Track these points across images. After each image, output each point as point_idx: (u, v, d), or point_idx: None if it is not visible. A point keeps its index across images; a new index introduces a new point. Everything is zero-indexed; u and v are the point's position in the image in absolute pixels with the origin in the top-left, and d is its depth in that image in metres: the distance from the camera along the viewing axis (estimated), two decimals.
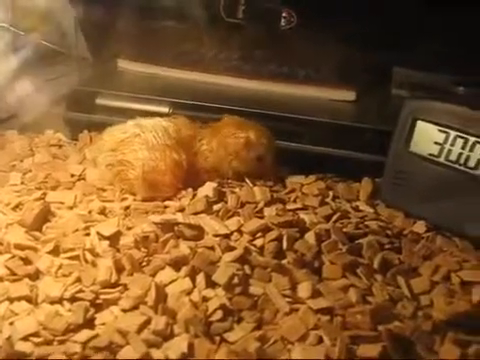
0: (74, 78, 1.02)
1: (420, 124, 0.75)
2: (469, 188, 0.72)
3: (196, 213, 0.73)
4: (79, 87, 0.96)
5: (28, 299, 0.60)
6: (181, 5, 0.97)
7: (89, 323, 0.58)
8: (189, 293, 0.61)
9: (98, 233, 0.68)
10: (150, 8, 0.99)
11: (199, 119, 0.84)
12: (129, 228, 0.71)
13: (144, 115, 0.83)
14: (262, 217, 0.74)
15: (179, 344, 0.55)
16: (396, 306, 0.62)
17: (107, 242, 0.67)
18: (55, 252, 0.66)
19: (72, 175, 0.82)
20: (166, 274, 0.63)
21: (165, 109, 0.91)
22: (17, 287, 0.61)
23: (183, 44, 1.01)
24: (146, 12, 0.99)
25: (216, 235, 0.70)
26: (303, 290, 0.62)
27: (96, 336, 0.56)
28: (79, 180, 0.81)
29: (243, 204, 0.76)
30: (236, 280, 0.62)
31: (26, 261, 0.64)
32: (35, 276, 0.63)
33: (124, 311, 0.59)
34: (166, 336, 0.56)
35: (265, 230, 0.70)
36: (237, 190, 0.79)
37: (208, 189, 0.77)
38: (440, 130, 0.73)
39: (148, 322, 0.57)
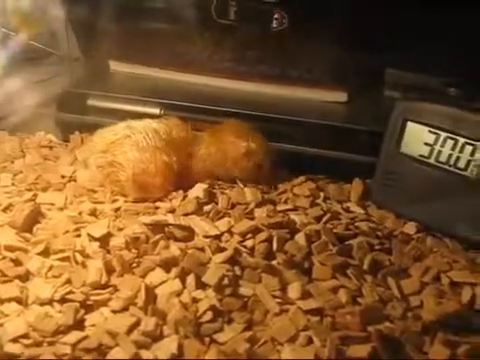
0: (65, 79, 1.01)
1: (411, 125, 0.75)
2: (459, 189, 0.72)
3: (186, 214, 0.73)
4: (70, 88, 0.96)
5: (18, 300, 0.60)
6: (173, 6, 0.97)
7: (79, 324, 0.57)
8: (179, 294, 0.61)
9: (88, 234, 0.68)
10: (142, 9, 0.99)
11: (191, 120, 0.84)
12: (120, 229, 0.70)
13: (136, 116, 0.83)
14: (252, 218, 0.73)
15: (169, 345, 0.55)
16: (386, 307, 0.62)
17: (97, 243, 0.67)
18: (45, 253, 0.66)
19: (63, 176, 0.82)
20: (156, 275, 0.63)
21: (156, 110, 0.91)
22: (7, 288, 0.61)
23: (175, 45, 1.00)
24: (138, 13, 0.99)
25: (206, 236, 0.70)
26: (293, 291, 0.62)
27: (86, 337, 0.56)
28: (70, 181, 0.81)
29: (234, 205, 0.76)
30: (226, 281, 0.61)
31: (16, 262, 0.64)
32: (25, 277, 0.63)
33: (114, 312, 0.59)
34: (156, 337, 0.56)
35: (255, 231, 0.70)
36: (227, 191, 0.79)
37: (198, 190, 0.77)
38: (430, 131, 0.74)
39: (138, 323, 0.57)
